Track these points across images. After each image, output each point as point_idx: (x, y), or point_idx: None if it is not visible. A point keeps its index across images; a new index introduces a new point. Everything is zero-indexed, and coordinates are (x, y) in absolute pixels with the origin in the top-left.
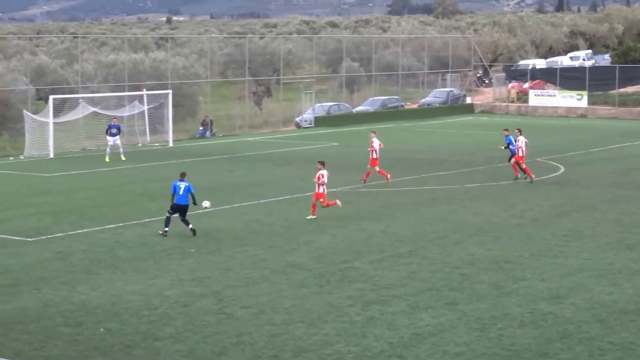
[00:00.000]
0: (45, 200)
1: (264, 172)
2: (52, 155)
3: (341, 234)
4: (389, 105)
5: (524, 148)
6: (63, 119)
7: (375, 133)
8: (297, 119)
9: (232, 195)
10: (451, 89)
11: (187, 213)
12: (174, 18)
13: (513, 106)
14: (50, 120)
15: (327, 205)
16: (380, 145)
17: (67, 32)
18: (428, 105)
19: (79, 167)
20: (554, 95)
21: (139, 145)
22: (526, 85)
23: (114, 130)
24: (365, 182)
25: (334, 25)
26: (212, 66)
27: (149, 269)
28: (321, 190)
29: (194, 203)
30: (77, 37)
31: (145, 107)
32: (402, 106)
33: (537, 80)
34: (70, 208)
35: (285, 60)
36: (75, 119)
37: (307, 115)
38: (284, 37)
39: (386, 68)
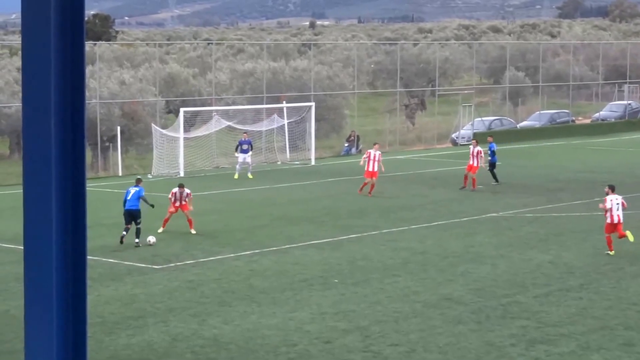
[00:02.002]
0: (175, 224)
1: (416, 194)
2: (182, 174)
3: (503, 264)
4: (558, 120)
5: None
6: (194, 133)
7: (378, 145)
8: (454, 135)
9: (380, 219)
10: (629, 101)
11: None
12: (318, 22)
13: None
14: (181, 135)
15: (621, 236)
16: (379, 156)
17: (200, 38)
18: (602, 120)
19: (212, 187)
20: None
21: (279, 163)
22: None
23: (245, 147)
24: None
25: (496, 30)
26: (359, 76)
27: (288, 300)
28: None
29: (151, 205)
30: (211, 43)
31: (285, 121)
32: (573, 121)
33: None
34: (201, 232)
35: (441, 69)
36: (207, 134)
37: (465, 131)
38: (440, 43)
39: (555, 78)
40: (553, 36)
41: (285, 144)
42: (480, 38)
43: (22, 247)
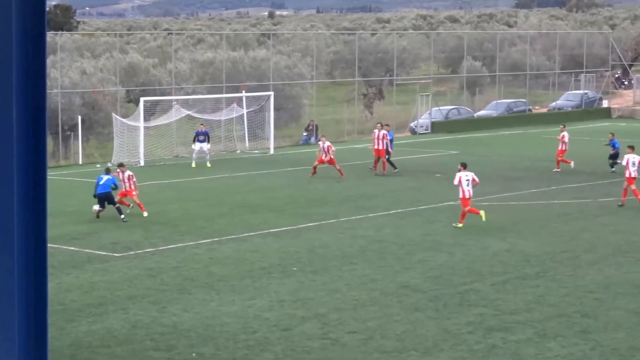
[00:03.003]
0: (135, 212)
1: (374, 182)
2: (142, 163)
3: (460, 252)
4: (515, 110)
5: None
6: (155, 122)
7: (324, 136)
8: (412, 125)
9: (339, 208)
10: (586, 91)
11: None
12: (277, 12)
13: None
14: (141, 124)
15: (472, 211)
16: (330, 147)
17: (161, 28)
18: (559, 109)
19: (172, 175)
20: None
21: (238, 152)
22: None
23: (201, 137)
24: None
25: (454, 20)
26: (318, 65)
27: (247, 288)
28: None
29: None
30: (171, 33)
31: (245, 111)
32: (530, 110)
33: None
34: (161, 221)
35: (399, 59)
36: (167, 123)
37: (423, 120)
38: (398, 33)
39: (512, 68)
40: (510, 26)
41: (245, 133)
42: (438, 28)
43: None
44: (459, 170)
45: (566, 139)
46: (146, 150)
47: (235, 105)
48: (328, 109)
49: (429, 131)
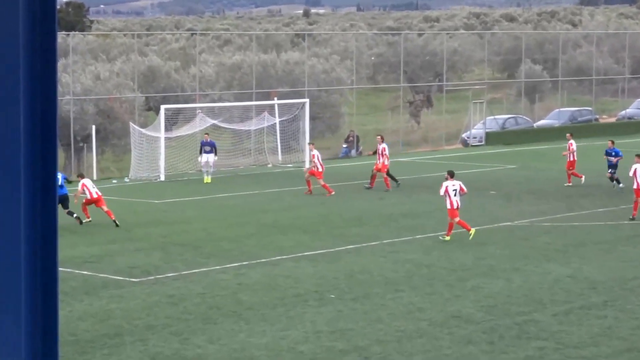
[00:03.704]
0: (155, 232)
1: (421, 200)
2: (162, 178)
3: (518, 278)
4: (580, 119)
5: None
6: (176, 133)
7: (313, 145)
8: (464, 135)
9: (381, 228)
10: None
11: None
12: (313, 10)
13: None
14: (162, 134)
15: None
16: (318, 157)
17: (183, 28)
18: (629, 118)
19: (195, 192)
20: None
21: (269, 166)
22: None
23: (207, 148)
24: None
25: (510, 18)
26: (358, 69)
27: (279, 317)
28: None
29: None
30: (195, 34)
31: (277, 120)
32: (596, 119)
33: None
34: (184, 242)
35: (449, 62)
36: (191, 134)
37: (477, 130)
38: (448, 33)
39: (576, 72)
40: (574, 25)
41: (277, 145)
42: (492, 27)
43: None
44: (446, 179)
45: (574, 148)
46: (167, 164)
47: (266, 113)
48: (370, 118)
49: (482, 143)
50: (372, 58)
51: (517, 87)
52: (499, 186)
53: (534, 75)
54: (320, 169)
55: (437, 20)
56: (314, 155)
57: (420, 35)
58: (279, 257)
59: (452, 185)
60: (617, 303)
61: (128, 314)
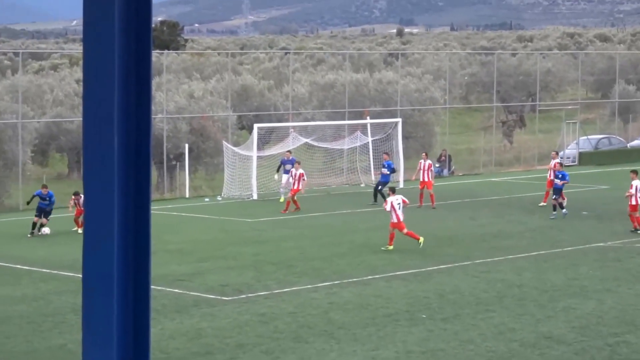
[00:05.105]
0: (247, 251)
1: (513, 220)
2: (255, 197)
3: (610, 299)
4: None
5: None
6: (269, 152)
7: (300, 163)
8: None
9: (473, 248)
10: None
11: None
12: (406, 30)
13: None
14: (254, 153)
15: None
16: (302, 175)
17: (277, 46)
18: None
19: (288, 211)
20: None
21: (362, 185)
22: None
23: (288, 167)
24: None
25: (604, 38)
26: (451, 89)
27: (370, 337)
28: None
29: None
30: (288, 53)
31: (370, 139)
32: None
33: None
34: (276, 261)
35: (542, 82)
36: (283, 153)
37: (570, 150)
38: (541, 53)
39: None
40: None
41: (370, 164)
42: (586, 47)
43: (81, 276)
44: (388, 195)
45: (637, 191)
46: (260, 183)
47: (359, 132)
48: (462, 137)
49: (575, 163)
50: (465, 78)
51: (610, 107)
52: (592, 206)
53: (627, 95)
54: (297, 187)
55: (531, 40)
56: (302, 174)
57: (513, 55)
58: (370, 277)
59: (396, 199)
60: None
61: (219, 333)
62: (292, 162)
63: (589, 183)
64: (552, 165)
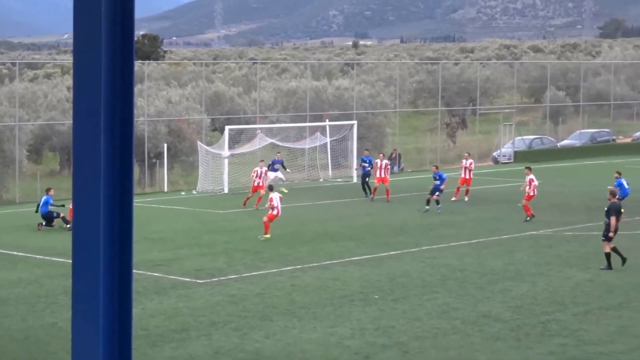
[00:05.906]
0: (219, 239)
1: (456, 211)
2: (226, 190)
3: (542, 281)
4: (599, 139)
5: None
6: (239, 150)
7: (263, 161)
8: (495, 154)
9: (420, 237)
10: None
11: None
12: (361, 42)
13: None
14: (226, 152)
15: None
16: (266, 172)
17: (246, 57)
18: None
19: (255, 203)
20: None
21: (321, 180)
22: None
23: (276, 166)
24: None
25: (537, 49)
26: (401, 95)
27: (328, 316)
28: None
29: (62, 206)
30: (256, 62)
31: (328, 139)
32: (614, 140)
33: None
34: (245, 248)
35: (482, 88)
36: (251, 151)
37: (506, 149)
38: (481, 62)
39: (596, 98)
40: (594, 56)
41: (328, 162)
42: (521, 57)
43: (71, 262)
44: (272, 192)
45: (535, 183)
46: (230, 178)
47: (318, 134)
48: (411, 138)
49: (511, 161)
50: (414, 84)
51: (542, 111)
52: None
53: (558, 100)
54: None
55: (472, 51)
56: (266, 171)
57: (456, 64)
58: (329, 262)
59: (276, 195)
60: (632, 304)
61: (194, 312)
62: (281, 162)
63: (523, 178)
64: (468, 165)
